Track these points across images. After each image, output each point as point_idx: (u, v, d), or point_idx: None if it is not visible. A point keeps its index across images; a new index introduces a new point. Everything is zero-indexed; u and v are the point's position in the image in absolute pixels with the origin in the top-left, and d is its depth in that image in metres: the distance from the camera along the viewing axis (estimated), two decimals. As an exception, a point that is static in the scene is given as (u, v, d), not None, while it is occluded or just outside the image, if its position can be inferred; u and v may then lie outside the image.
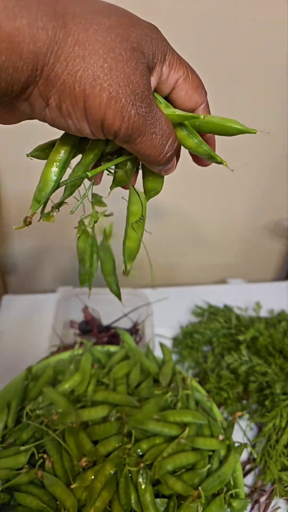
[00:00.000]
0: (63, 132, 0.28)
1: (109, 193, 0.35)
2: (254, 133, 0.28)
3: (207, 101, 0.31)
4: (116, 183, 0.34)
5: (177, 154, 0.34)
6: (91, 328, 0.76)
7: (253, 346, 0.70)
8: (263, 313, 0.84)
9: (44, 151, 0.31)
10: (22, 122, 0.28)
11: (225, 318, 0.77)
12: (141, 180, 0.35)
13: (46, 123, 0.26)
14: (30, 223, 0.29)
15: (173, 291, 0.88)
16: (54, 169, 0.29)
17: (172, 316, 0.82)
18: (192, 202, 0.89)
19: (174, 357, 0.73)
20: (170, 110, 0.29)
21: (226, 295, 0.89)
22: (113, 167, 0.33)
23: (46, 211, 0.30)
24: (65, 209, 0.31)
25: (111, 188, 0.35)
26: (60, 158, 0.29)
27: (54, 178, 0.29)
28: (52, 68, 0.22)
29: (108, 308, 0.80)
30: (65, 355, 0.61)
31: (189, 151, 0.33)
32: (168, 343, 0.76)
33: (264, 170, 0.87)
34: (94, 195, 0.37)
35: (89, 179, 0.33)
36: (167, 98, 0.30)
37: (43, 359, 0.62)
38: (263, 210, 0.96)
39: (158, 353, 0.67)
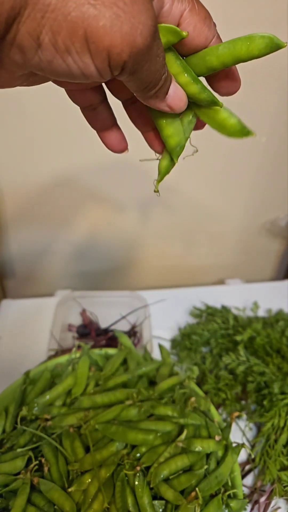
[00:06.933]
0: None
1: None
2: (284, 46, 0.24)
3: (218, 34, 0.26)
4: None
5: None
6: (89, 331, 0.76)
7: (250, 346, 0.70)
8: (261, 313, 0.84)
9: None
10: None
11: (223, 319, 0.77)
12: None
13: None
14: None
15: (170, 293, 0.88)
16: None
17: (170, 318, 0.82)
18: (189, 202, 0.89)
19: (173, 358, 0.73)
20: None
21: (224, 295, 0.89)
22: None
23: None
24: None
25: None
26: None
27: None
28: None
29: (106, 311, 0.80)
30: (63, 358, 0.60)
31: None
32: (166, 345, 0.76)
33: (261, 170, 0.88)
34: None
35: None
36: None
37: (41, 363, 0.62)
38: (260, 210, 0.96)
39: (157, 355, 0.67)
